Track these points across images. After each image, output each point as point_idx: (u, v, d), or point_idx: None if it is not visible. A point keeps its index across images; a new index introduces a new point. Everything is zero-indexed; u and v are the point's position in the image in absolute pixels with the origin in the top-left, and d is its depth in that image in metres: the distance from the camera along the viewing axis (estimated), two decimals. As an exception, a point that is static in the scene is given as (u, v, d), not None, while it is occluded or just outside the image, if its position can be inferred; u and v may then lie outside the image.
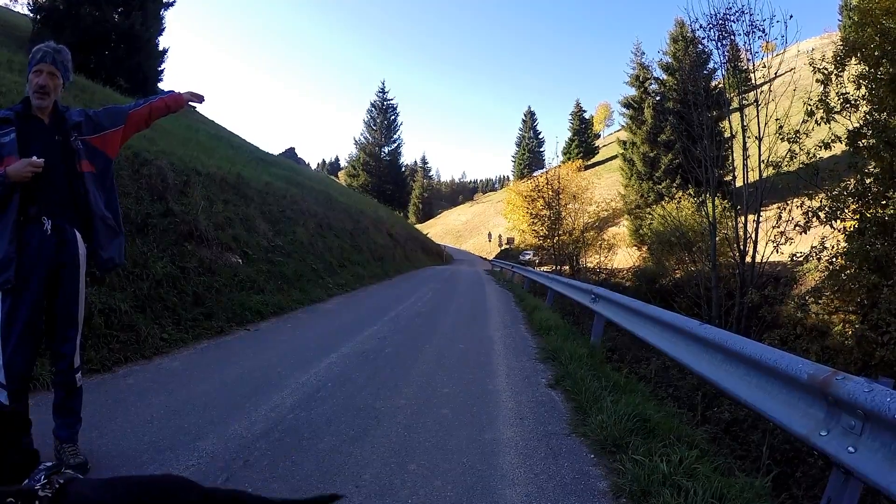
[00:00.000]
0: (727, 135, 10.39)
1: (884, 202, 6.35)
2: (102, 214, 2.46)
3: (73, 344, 2.40)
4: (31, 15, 15.35)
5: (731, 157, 10.71)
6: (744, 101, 9.14)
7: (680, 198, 16.62)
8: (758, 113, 8.28)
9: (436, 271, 22.60)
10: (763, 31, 8.61)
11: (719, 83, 12.31)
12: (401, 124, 56.96)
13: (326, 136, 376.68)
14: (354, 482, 2.46)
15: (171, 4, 17.92)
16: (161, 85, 19.32)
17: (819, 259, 6.94)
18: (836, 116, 7.01)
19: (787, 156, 7.65)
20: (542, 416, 3.59)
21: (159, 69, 17.87)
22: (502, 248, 53.49)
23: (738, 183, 9.45)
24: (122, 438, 2.75)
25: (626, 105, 28.76)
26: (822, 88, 7.14)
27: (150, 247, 5.62)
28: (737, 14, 8.66)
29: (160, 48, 17.70)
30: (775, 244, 7.64)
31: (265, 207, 10.12)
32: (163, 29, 17.69)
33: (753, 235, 8.25)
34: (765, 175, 8.13)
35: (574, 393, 3.94)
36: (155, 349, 4.47)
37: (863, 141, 6.59)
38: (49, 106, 2.36)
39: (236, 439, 2.85)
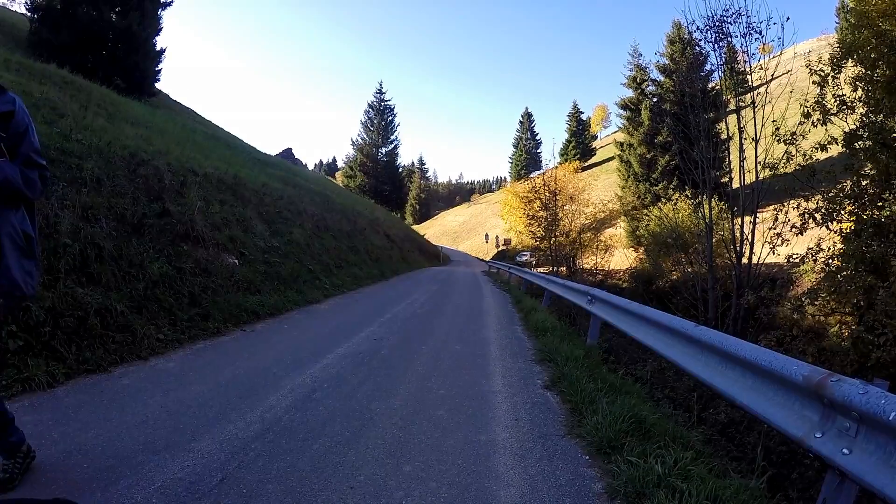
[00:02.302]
0: (724, 136, 10.41)
1: (880, 204, 6.37)
2: (11, 227, 2.06)
3: None
4: (29, 14, 15.32)
5: (727, 159, 10.72)
6: (741, 103, 9.16)
7: (677, 199, 16.61)
8: (754, 115, 8.29)
9: (433, 272, 22.58)
10: (760, 33, 8.60)
11: (716, 85, 12.35)
12: (398, 125, 57.11)
13: (323, 137, 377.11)
14: (349, 483, 2.46)
15: (169, 4, 17.89)
16: (158, 84, 19.29)
17: (815, 260, 6.95)
18: (833, 118, 7.02)
19: (784, 157, 7.67)
20: (538, 417, 3.59)
21: (157, 69, 17.86)
22: (499, 249, 53.49)
23: (735, 185, 9.46)
24: (116, 439, 2.74)
25: (623, 107, 28.81)
26: (818, 90, 7.16)
27: (146, 247, 5.61)
28: (734, 16, 8.65)
29: (157, 48, 17.67)
30: (772, 246, 7.66)
31: (262, 208, 10.10)
32: (160, 28, 17.68)
33: (750, 237, 8.26)
34: (761, 177, 8.14)
35: (570, 394, 3.94)
36: (151, 349, 4.45)
37: (859, 143, 6.60)
38: None
39: (232, 440, 2.84)
